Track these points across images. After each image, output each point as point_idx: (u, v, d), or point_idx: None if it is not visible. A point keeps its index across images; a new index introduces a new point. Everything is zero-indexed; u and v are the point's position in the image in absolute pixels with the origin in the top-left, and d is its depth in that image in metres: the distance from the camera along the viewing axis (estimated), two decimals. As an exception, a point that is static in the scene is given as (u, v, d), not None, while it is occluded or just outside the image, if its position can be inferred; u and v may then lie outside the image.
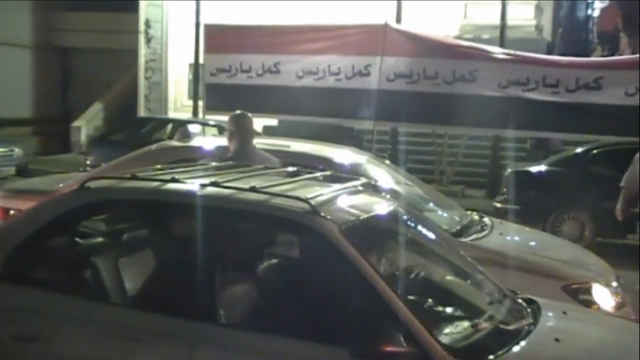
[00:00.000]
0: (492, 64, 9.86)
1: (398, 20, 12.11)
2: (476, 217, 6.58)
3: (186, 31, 15.43)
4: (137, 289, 3.86)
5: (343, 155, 6.42)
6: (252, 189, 3.70)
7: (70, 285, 3.85)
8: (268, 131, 13.29)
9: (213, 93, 12.90)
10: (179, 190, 3.82)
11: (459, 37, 14.10)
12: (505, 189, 10.97)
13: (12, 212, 6.10)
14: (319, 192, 3.81)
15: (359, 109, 11.06)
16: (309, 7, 15.09)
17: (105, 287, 3.79)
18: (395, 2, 12.89)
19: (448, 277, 4.17)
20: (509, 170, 11.34)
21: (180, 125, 12.61)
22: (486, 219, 6.53)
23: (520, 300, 4.00)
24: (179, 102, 16.69)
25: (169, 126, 12.75)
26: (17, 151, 13.18)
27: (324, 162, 5.97)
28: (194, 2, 13.74)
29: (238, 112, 5.91)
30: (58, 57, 21.01)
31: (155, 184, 3.91)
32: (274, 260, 4.18)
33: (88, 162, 11.58)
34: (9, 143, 14.15)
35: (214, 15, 13.54)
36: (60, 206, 3.97)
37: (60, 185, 6.35)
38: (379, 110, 10.72)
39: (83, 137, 17.07)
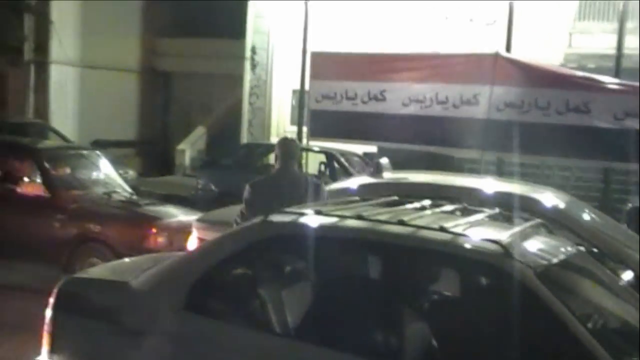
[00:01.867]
0: (607, 94, 9.77)
1: (508, 49, 12.12)
2: None
3: (290, 58, 15.81)
4: (317, 324, 3.88)
5: (547, 197, 6.18)
6: (442, 229, 3.66)
7: (255, 320, 3.88)
8: (368, 157, 13.42)
9: (317, 119, 13.15)
10: (362, 227, 3.79)
11: (563, 67, 13.96)
12: (626, 224, 10.72)
13: None
14: (507, 233, 3.73)
15: (465, 137, 11.11)
16: (414, 35, 15.24)
17: (285, 322, 3.87)
18: (505, 30, 12.88)
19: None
20: (630, 205, 11.07)
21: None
22: None
23: None
24: (281, 127, 17.07)
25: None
26: (131, 173, 13.79)
27: (530, 203, 5.77)
28: (300, 30, 14.09)
29: (285, 137, 6.33)
30: (161, 81, 21.83)
31: (338, 220, 3.87)
32: (457, 302, 4.16)
33: (199, 185, 11.97)
34: (120, 165, 14.79)
35: (318, 43, 13.84)
36: (242, 239, 4.02)
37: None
38: (487, 139, 10.75)
39: (187, 160, 17.66)
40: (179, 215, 8.34)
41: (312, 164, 12.70)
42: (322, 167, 12.38)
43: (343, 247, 3.93)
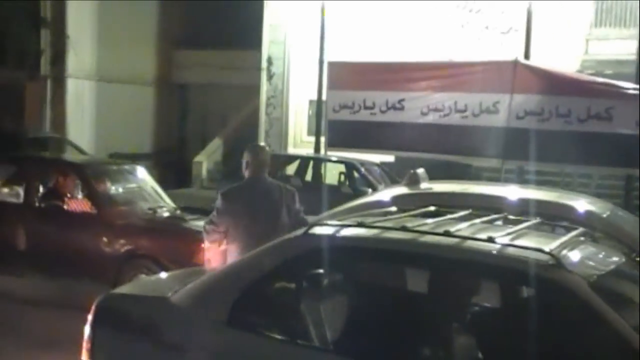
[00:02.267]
0: (629, 101, 9.72)
1: (526, 56, 12.10)
2: None
3: (307, 68, 15.85)
4: (360, 339, 3.82)
5: (583, 204, 6.07)
6: (490, 240, 3.59)
7: (297, 335, 3.83)
8: (385, 167, 13.41)
9: (335, 129, 13.14)
10: (407, 239, 3.69)
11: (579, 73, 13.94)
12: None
13: None
14: (555, 243, 3.66)
15: (485, 146, 11.09)
16: (431, 44, 15.26)
17: (327, 337, 3.81)
18: (524, 37, 12.88)
19: None
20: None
21: (308, 162, 12.93)
22: None
23: None
24: (298, 137, 17.12)
25: (296, 162, 13.06)
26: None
27: (570, 210, 5.70)
28: (316, 40, 14.14)
29: (255, 144, 6.59)
30: (177, 93, 21.92)
31: (381, 231, 3.80)
32: (506, 315, 4.08)
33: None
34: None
35: (335, 52, 13.88)
36: (283, 252, 3.95)
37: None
38: (507, 148, 10.72)
39: (204, 171, 17.70)
40: None
41: (331, 174, 12.69)
42: (342, 177, 12.36)
43: (387, 260, 3.87)
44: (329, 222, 4.08)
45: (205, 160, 17.75)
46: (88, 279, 8.01)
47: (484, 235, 3.65)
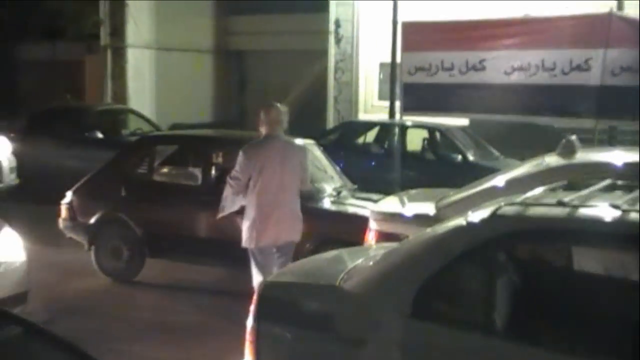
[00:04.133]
0: None
1: (620, 7, 11.62)
2: None
3: (377, 29, 15.57)
4: (561, 328, 3.62)
5: None
6: None
7: (489, 326, 3.60)
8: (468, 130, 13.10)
9: (410, 93, 12.92)
10: (627, 219, 3.40)
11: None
12: None
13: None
14: None
15: (576, 106, 10.79)
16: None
17: (523, 327, 3.61)
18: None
19: None
20: None
21: (388, 128, 12.70)
22: None
23: None
24: (369, 102, 16.89)
25: (376, 129, 12.85)
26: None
27: None
28: (387, 0, 13.84)
29: (269, 103, 6.79)
30: (234, 61, 21.86)
31: (591, 210, 3.52)
32: None
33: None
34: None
35: (409, 12, 13.57)
36: (471, 235, 3.71)
37: (441, 208, 6.11)
38: (601, 107, 10.39)
39: (270, 141, 17.62)
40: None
41: (412, 140, 12.44)
42: (425, 143, 12.12)
43: (596, 242, 3.59)
44: (520, 200, 3.83)
45: (269, 129, 17.66)
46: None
47: None
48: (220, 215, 6.86)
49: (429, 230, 4.13)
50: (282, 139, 6.58)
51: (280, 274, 4.68)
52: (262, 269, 6.47)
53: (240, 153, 6.45)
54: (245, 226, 6.58)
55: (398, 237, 5.50)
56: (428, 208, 6.27)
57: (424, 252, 3.83)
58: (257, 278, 6.44)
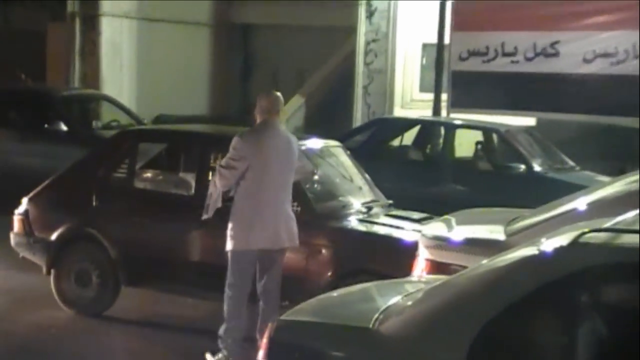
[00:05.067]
0: None
1: None
2: None
3: (421, 3, 15.59)
4: None
5: None
6: None
7: None
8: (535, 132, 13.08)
9: (461, 83, 13.03)
10: None
11: None
12: None
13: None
14: None
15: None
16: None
17: None
18: None
19: None
20: None
21: (432, 128, 12.68)
22: None
23: None
24: (407, 95, 16.87)
25: (416, 130, 12.85)
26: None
27: None
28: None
29: (269, 90, 7.48)
30: (239, 37, 21.93)
31: None
32: None
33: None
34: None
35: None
36: (543, 270, 3.71)
37: (513, 234, 6.21)
38: None
39: (281, 140, 17.62)
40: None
41: (462, 144, 12.45)
42: (479, 149, 12.13)
43: None
44: (609, 226, 3.88)
45: (281, 125, 17.64)
46: (288, 303, 7.38)
47: None
48: (206, 217, 7.15)
49: (485, 261, 4.17)
50: (282, 129, 7.28)
51: (296, 311, 4.68)
52: (242, 281, 6.95)
53: (237, 139, 6.96)
54: (235, 224, 6.94)
55: (449, 268, 5.58)
56: (494, 233, 6.37)
57: (483, 289, 3.85)
58: (234, 293, 6.92)
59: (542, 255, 3.78)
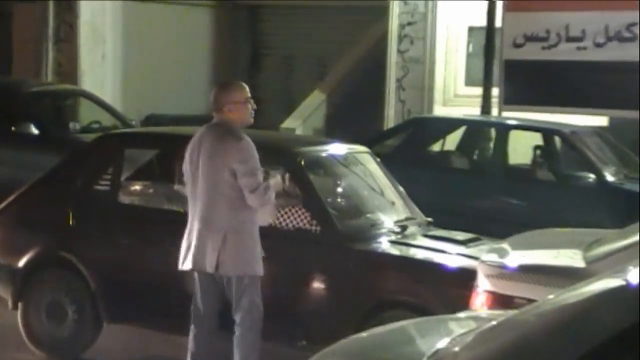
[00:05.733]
0: None
1: None
2: None
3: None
4: None
5: None
6: None
7: None
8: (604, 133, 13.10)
9: (516, 76, 13.02)
10: None
11: None
12: None
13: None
14: None
15: None
16: None
17: None
18: None
19: None
20: None
21: (481, 129, 12.69)
22: None
23: None
24: (450, 90, 16.96)
25: (461, 131, 12.84)
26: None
27: None
28: None
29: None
30: (245, 21, 22.07)
31: None
32: None
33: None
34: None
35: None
36: (626, 307, 3.79)
37: (588, 261, 6.29)
38: None
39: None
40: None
41: (518, 149, 12.42)
42: (538, 155, 12.12)
43: None
44: None
45: (299, 127, 17.73)
46: (306, 342, 7.70)
47: None
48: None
49: (552, 295, 4.23)
50: (212, 128, 7.38)
51: (325, 356, 4.75)
52: (196, 308, 7.20)
53: (249, 144, 7.09)
54: (252, 248, 7.09)
55: (512, 302, 5.65)
56: (572, 259, 6.41)
57: (557, 329, 3.88)
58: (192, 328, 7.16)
59: (628, 288, 3.84)
